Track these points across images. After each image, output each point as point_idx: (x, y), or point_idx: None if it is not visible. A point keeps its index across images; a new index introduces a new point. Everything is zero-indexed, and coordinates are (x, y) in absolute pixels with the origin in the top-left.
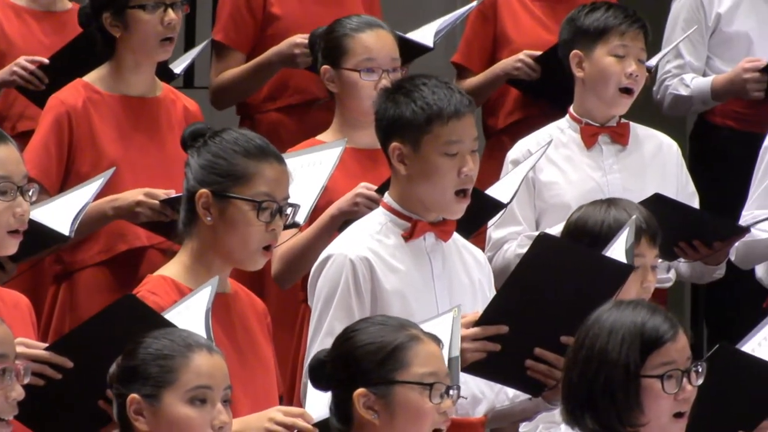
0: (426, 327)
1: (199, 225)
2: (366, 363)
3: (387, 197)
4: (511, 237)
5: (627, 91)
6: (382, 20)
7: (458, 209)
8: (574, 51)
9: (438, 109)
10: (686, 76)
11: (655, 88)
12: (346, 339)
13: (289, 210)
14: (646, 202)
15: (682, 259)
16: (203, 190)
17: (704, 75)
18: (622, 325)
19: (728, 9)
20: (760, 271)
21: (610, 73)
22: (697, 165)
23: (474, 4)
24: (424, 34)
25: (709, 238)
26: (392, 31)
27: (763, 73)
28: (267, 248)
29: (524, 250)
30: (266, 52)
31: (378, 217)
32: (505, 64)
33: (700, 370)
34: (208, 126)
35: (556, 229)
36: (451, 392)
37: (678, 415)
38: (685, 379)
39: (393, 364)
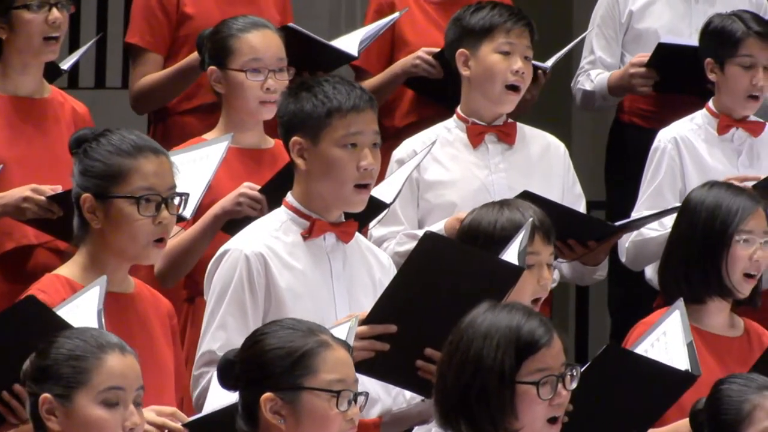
0: None
1: (91, 228)
2: (274, 367)
3: (289, 196)
4: (392, 236)
5: (513, 88)
6: (296, 22)
7: (358, 201)
8: (460, 50)
9: (338, 103)
10: (593, 71)
11: (572, 84)
12: (255, 342)
13: (177, 200)
14: (514, 199)
15: (560, 260)
16: (86, 195)
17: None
18: (498, 329)
19: (641, 6)
20: (649, 272)
21: (495, 71)
22: (612, 162)
23: (397, 14)
24: (348, 43)
25: (583, 237)
26: (279, 32)
27: (649, 68)
28: (159, 241)
29: (402, 248)
30: (190, 56)
31: (279, 215)
32: (403, 62)
33: (574, 374)
34: (92, 131)
35: (436, 227)
36: (358, 399)
37: (552, 420)
38: (559, 385)
39: (301, 370)
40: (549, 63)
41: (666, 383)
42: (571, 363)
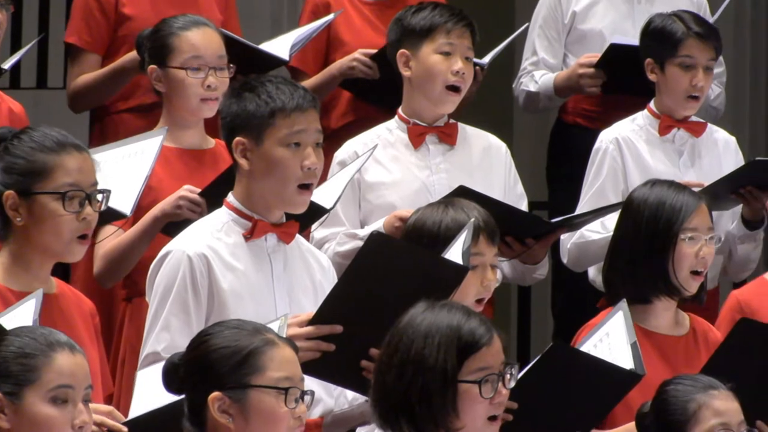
0: None
1: (14, 226)
2: (221, 367)
3: (230, 196)
4: (333, 237)
5: (454, 88)
6: (238, 23)
7: (301, 201)
8: (401, 50)
9: (281, 103)
10: (537, 72)
11: (514, 85)
12: (200, 343)
13: (99, 196)
14: (450, 196)
15: (500, 258)
16: (8, 192)
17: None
18: (439, 329)
19: (584, 7)
20: (592, 272)
21: (436, 71)
22: (554, 163)
23: (331, 17)
24: (280, 47)
25: (521, 234)
26: (221, 31)
27: (597, 68)
28: (83, 237)
29: (343, 248)
30: (124, 57)
31: (221, 215)
32: (340, 64)
33: (513, 372)
34: (10, 130)
35: (375, 225)
36: (305, 397)
37: (492, 418)
38: (500, 383)
39: (248, 369)
40: (486, 60)
41: (611, 383)
42: (510, 362)
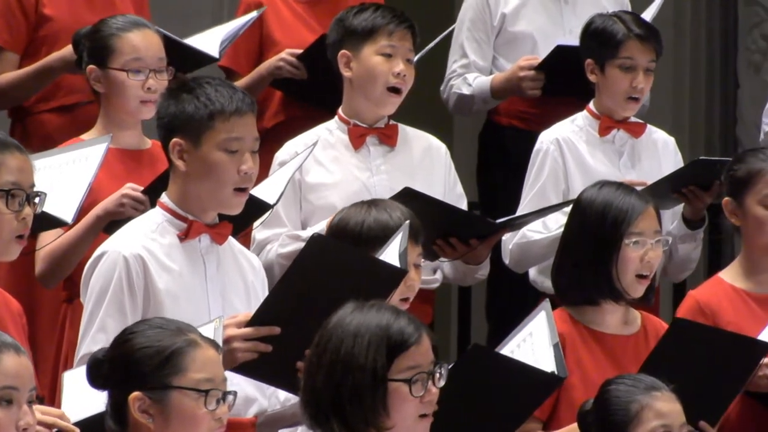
0: None
1: None
2: (143, 366)
3: (164, 197)
4: (275, 238)
5: (394, 90)
6: (178, 19)
7: (236, 204)
8: (342, 51)
9: (220, 106)
10: (469, 75)
11: (442, 88)
12: (124, 341)
13: (37, 199)
14: (396, 197)
15: (443, 259)
16: None
17: (490, 74)
18: (368, 328)
19: (513, 9)
20: (532, 273)
21: (377, 73)
22: (483, 165)
23: (255, 14)
24: (209, 44)
25: (465, 234)
26: (161, 33)
27: (539, 71)
28: (20, 237)
29: (285, 250)
30: (52, 56)
31: (155, 216)
32: (268, 64)
33: (442, 371)
34: None
35: (318, 227)
36: (227, 398)
37: (423, 416)
38: (430, 382)
39: (169, 369)
40: (414, 58)
41: (532, 385)
42: (439, 361)
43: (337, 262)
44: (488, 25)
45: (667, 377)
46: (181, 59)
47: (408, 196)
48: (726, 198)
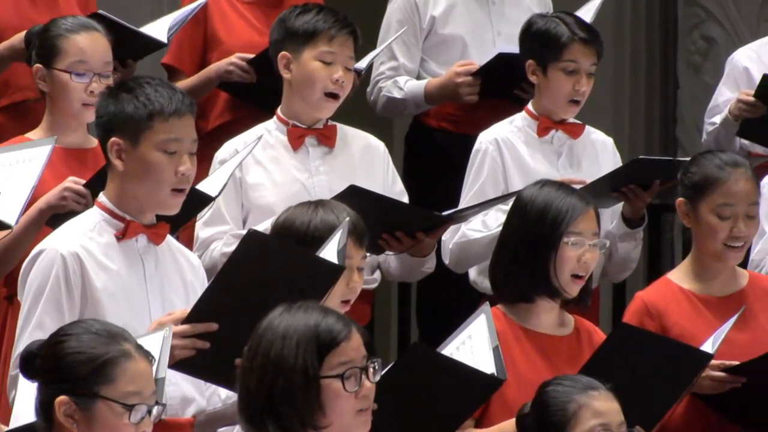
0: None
1: None
2: (73, 371)
3: (102, 197)
4: (218, 236)
5: (332, 95)
6: (119, 13)
7: (174, 204)
8: (283, 52)
9: (159, 107)
10: (400, 78)
11: (369, 90)
12: (57, 341)
13: None
14: (341, 196)
15: (389, 253)
16: None
17: (418, 77)
18: (296, 329)
19: (443, 12)
20: (473, 274)
21: (316, 78)
22: (412, 167)
23: (202, 1)
24: (157, 30)
25: (411, 228)
26: (110, 20)
27: (475, 76)
28: None
29: (230, 249)
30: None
31: (93, 215)
32: (217, 66)
33: (376, 366)
34: None
35: (263, 225)
36: (153, 411)
37: (360, 413)
38: (363, 377)
39: (99, 378)
40: (363, 64)
41: (471, 386)
42: (372, 356)
43: (273, 258)
44: (417, 28)
45: (609, 380)
46: (130, 46)
47: (353, 194)
48: (680, 199)
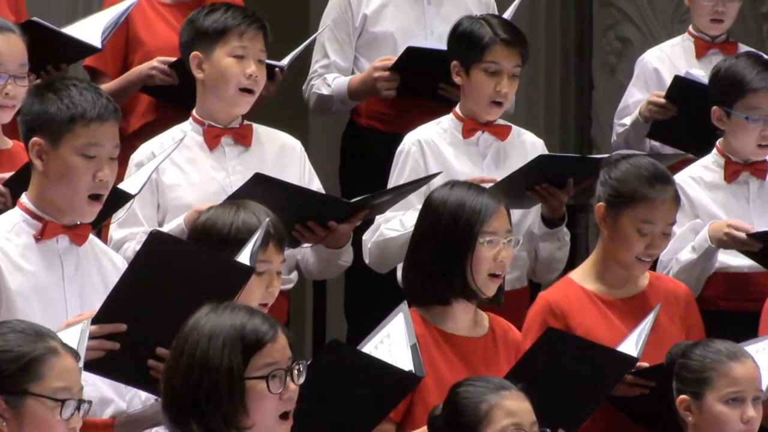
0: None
1: None
2: (1, 370)
3: (24, 197)
4: (131, 237)
5: (247, 91)
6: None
7: (89, 212)
8: (194, 53)
9: (82, 110)
10: (329, 75)
11: (304, 87)
12: None
13: None
14: (247, 185)
15: (305, 245)
16: None
17: (352, 75)
18: (222, 329)
19: (375, 10)
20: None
21: (229, 74)
22: (347, 166)
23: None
24: (89, 33)
25: (322, 218)
26: (23, 37)
27: (393, 71)
28: None
29: None
30: None
31: (13, 216)
32: (139, 70)
33: (301, 368)
34: None
35: (175, 222)
36: (83, 407)
37: (284, 416)
38: (288, 378)
39: (27, 375)
40: (285, 61)
41: (389, 383)
42: (297, 358)
43: (178, 259)
44: (350, 26)
45: (534, 382)
46: (64, 50)
47: (260, 182)
48: (600, 204)
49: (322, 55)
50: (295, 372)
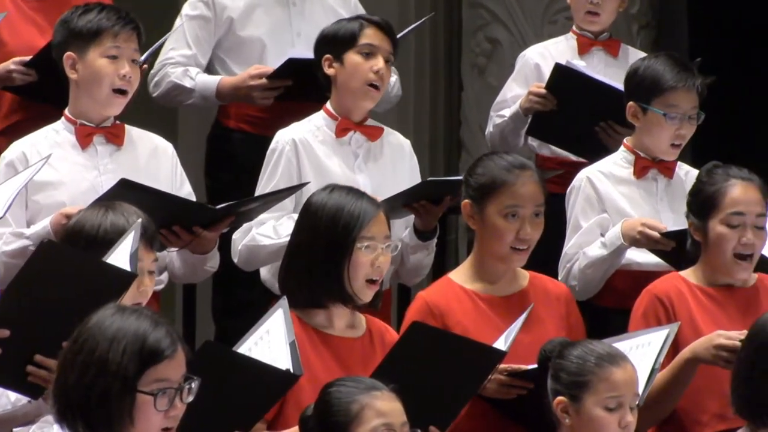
0: None
1: None
2: None
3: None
4: None
5: (120, 92)
6: None
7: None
8: (68, 53)
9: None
10: (192, 69)
11: (153, 71)
12: None
13: None
14: (113, 190)
15: (171, 249)
16: None
17: (212, 74)
18: (125, 334)
19: (241, 13)
20: (264, 273)
21: (103, 75)
22: (213, 168)
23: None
24: None
25: (188, 223)
26: None
27: (271, 79)
28: None
29: (9, 248)
30: None
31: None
32: None
33: (192, 386)
34: None
35: (41, 224)
36: None
37: (165, 431)
38: (177, 397)
39: None
40: (142, 57)
41: (267, 383)
42: (190, 376)
43: (66, 267)
44: (212, 24)
45: (402, 380)
46: None
47: (126, 187)
48: (466, 201)
49: (183, 45)
50: (185, 391)
